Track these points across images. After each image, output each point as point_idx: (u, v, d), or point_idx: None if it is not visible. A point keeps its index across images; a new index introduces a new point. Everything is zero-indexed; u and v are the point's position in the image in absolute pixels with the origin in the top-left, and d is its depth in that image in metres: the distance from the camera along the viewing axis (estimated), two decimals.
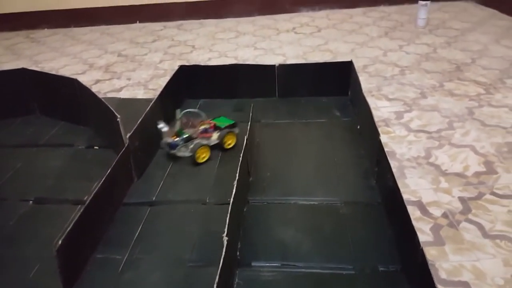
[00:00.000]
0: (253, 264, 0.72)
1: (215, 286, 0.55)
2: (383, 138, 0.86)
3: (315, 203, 0.84)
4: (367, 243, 0.74)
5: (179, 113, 1.01)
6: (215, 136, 1.02)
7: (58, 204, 0.88)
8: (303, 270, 0.70)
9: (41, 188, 0.93)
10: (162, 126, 0.99)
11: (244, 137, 0.88)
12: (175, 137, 1.00)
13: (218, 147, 1.02)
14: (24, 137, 1.15)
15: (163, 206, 0.87)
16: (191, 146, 0.99)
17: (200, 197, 0.88)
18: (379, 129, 0.89)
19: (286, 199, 0.86)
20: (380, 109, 1.19)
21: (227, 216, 0.68)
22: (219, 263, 0.59)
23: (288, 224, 0.79)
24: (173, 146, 0.99)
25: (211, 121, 1.04)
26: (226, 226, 0.65)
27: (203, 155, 0.99)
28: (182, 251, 0.75)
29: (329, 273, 0.69)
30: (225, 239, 0.62)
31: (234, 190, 0.73)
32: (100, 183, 0.77)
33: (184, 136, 0.99)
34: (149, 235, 0.79)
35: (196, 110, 1.05)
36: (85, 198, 0.88)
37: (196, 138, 1.01)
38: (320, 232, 0.77)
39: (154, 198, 0.89)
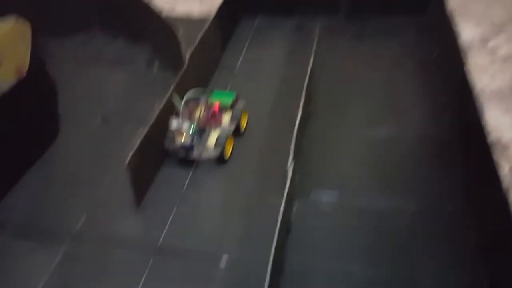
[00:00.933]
0: (311, 195, 0.72)
1: (280, 214, 0.55)
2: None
3: (380, 135, 0.80)
4: (435, 181, 0.70)
5: (178, 99, 0.77)
6: (226, 118, 0.80)
7: (123, 122, 0.91)
8: (363, 204, 0.69)
9: (107, 105, 0.96)
10: (177, 125, 0.75)
11: (308, 62, 0.83)
12: (182, 135, 0.75)
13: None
14: (84, 54, 1.16)
15: None
16: (209, 141, 0.76)
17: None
18: (462, 57, 0.80)
19: (347, 131, 0.82)
20: (464, 32, 1.06)
21: (290, 144, 0.67)
22: (282, 192, 0.60)
23: (350, 157, 0.77)
24: (190, 147, 0.74)
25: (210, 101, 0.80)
26: (291, 155, 0.63)
27: (228, 147, 0.79)
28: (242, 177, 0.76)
29: (392, 209, 0.67)
30: (290, 166, 0.61)
31: (297, 120, 0.71)
32: (163, 102, 0.78)
33: (195, 130, 0.75)
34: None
35: (195, 90, 0.81)
36: (149, 118, 0.90)
37: (204, 128, 0.77)
38: (384, 167, 0.74)
39: None
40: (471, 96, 0.70)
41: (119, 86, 1.02)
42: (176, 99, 0.76)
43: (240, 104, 0.83)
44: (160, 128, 0.77)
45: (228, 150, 0.78)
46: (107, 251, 0.66)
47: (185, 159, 0.76)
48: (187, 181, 0.76)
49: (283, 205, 0.57)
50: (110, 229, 0.69)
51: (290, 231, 0.66)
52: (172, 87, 0.81)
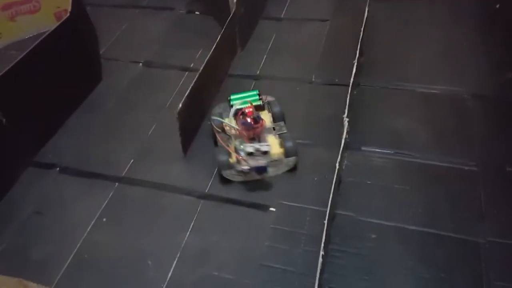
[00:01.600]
0: (363, 148, 0.70)
1: (337, 165, 0.54)
2: None
3: (437, 91, 0.76)
4: (495, 140, 0.67)
5: (219, 115, 0.70)
6: (267, 118, 0.70)
7: (165, 69, 0.90)
8: (418, 160, 0.66)
9: (148, 51, 0.94)
10: (251, 149, 0.63)
11: (364, 10, 0.78)
12: (237, 156, 0.63)
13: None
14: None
15: (267, 81, 0.84)
16: (274, 151, 0.64)
17: (306, 75, 0.84)
18: None
19: (402, 85, 0.79)
20: None
21: (341, 96, 0.64)
22: (332, 144, 0.58)
23: (404, 112, 0.74)
24: (262, 169, 0.63)
25: (241, 106, 0.70)
26: (347, 107, 0.61)
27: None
28: (290, 129, 0.73)
29: (448, 166, 0.65)
30: (346, 119, 0.59)
31: (354, 69, 0.67)
32: (211, 51, 0.75)
33: (252, 145, 0.63)
34: None
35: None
36: (191, 65, 0.88)
37: (253, 138, 0.66)
38: (441, 123, 0.71)
39: (258, 72, 0.86)
40: None
41: (160, 33, 0.99)
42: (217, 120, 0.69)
43: (272, 101, 0.73)
44: (207, 77, 0.75)
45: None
46: (156, 194, 0.66)
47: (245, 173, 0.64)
48: None
49: (339, 157, 0.55)
50: (157, 175, 0.69)
51: (341, 182, 0.64)
52: (221, 33, 0.78)
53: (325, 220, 0.49)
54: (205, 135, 0.74)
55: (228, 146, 0.65)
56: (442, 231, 0.58)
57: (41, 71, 0.74)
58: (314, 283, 0.48)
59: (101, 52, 0.94)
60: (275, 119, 0.71)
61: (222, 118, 0.69)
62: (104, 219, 0.64)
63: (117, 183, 0.69)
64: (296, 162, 0.66)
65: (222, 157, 0.64)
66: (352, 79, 0.66)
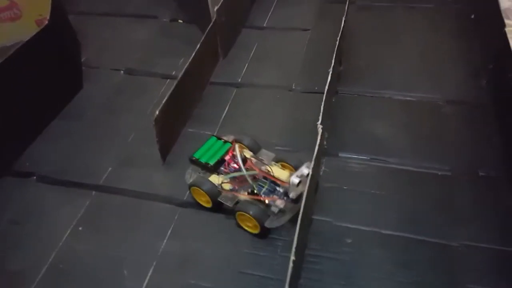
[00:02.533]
0: (340, 154, 0.70)
1: (310, 171, 0.54)
2: None
3: (414, 99, 0.78)
4: (469, 146, 0.68)
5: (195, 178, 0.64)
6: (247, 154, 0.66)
7: (147, 76, 0.90)
8: (394, 166, 0.67)
9: (130, 59, 0.94)
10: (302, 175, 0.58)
11: (341, 20, 0.79)
12: (272, 198, 0.59)
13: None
14: (109, 6, 1.14)
15: (249, 89, 0.85)
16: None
17: (286, 83, 0.85)
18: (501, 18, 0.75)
19: (380, 92, 0.80)
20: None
21: (320, 104, 0.64)
22: (311, 150, 0.58)
23: (381, 118, 0.75)
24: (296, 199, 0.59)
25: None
26: (321, 114, 0.62)
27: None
28: (269, 135, 0.74)
29: (423, 172, 0.66)
30: (319, 127, 0.59)
31: (329, 78, 0.68)
32: (191, 59, 0.75)
33: (295, 175, 0.58)
34: (236, 116, 0.79)
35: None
36: (173, 73, 0.89)
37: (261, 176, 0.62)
38: (417, 130, 0.72)
39: (240, 80, 0.87)
40: (509, 57, 0.67)
41: (143, 41, 0.99)
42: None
43: (237, 138, 0.68)
44: (187, 84, 0.76)
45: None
46: (134, 202, 0.66)
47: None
48: None
49: (312, 163, 0.55)
50: (135, 183, 0.69)
51: (318, 189, 0.65)
52: (200, 41, 0.79)
53: (297, 225, 0.49)
54: (185, 142, 0.75)
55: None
56: (417, 235, 0.58)
57: (19, 78, 0.73)
58: None
59: (83, 60, 0.94)
60: (253, 151, 0.67)
61: (201, 179, 0.63)
62: (80, 228, 0.63)
63: (94, 192, 0.68)
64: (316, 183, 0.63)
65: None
66: (327, 87, 0.67)
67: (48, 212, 0.66)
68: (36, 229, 0.64)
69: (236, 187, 0.61)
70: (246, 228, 0.61)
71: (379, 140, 0.71)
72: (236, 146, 0.63)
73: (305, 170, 0.59)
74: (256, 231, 0.60)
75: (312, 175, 0.55)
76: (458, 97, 0.77)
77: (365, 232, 0.59)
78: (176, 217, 0.64)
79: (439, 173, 0.65)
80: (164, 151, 0.71)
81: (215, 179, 0.63)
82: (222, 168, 0.64)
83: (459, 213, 0.60)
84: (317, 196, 0.64)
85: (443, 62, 0.84)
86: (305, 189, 0.55)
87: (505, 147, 0.67)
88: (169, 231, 0.62)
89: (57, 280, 0.57)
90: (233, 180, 0.62)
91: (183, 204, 0.65)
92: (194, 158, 0.65)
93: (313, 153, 0.56)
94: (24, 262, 0.60)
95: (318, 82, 0.82)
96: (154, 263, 0.58)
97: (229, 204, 0.61)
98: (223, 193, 0.62)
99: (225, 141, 0.67)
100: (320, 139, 0.60)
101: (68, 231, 0.63)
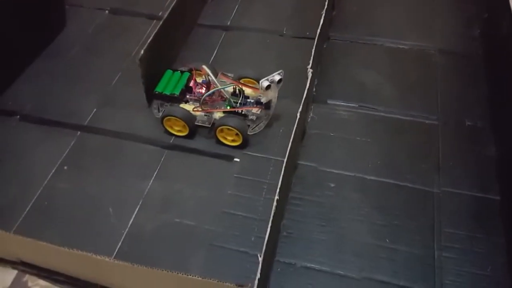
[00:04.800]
0: (328, 101, 0.70)
1: (298, 115, 0.54)
2: None
3: (405, 47, 0.76)
4: (457, 96, 0.68)
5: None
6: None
7: (132, 16, 0.86)
8: (381, 114, 0.67)
9: None
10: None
11: None
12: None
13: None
14: None
15: (237, 32, 0.83)
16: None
17: (277, 27, 0.82)
18: None
19: (371, 39, 0.78)
20: None
21: (311, 50, 0.63)
22: (299, 96, 0.58)
23: (371, 66, 0.74)
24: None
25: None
26: (311, 58, 0.60)
27: None
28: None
29: (410, 120, 0.66)
30: (309, 71, 0.58)
31: (321, 21, 0.66)
32: None
33: (265, 79, 0.62)
34: (224, 60, 0.77)
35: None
36: (160, 14, 0.85)
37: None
38: (406, 78, 0.71)
39: (229, 23, 0.84)
40: (504, 7, 0.65)
41: None
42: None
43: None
44: (174, 25, 0.73)
45: None
46: (120, 143, 0.66)
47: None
48: None
49: (301, 107, 0.55)
50: (121, 124, 0.68)
51: (305, 134, 0.65)
52: None
53: (282, 168, 0.49)
54: None
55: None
56: (399, 181, 0.59)
57: None
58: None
59: None
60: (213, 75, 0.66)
61: (173, 108, 0.65)
62: (65, 167, 0.63)
63: (79, 132, 0.67)
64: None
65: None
66: (319, 30, 0.65)
67: (32, 151, 0.65)
68: (20, 168, 0.63)
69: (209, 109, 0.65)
70: (227, 142, 0.64)
71: (368, 88, 0.71)
72: (204, 66, 0.65)
73: (276, 76, 0.62)
74: (238, 143, 0.64)
75: (299, 119, 0.55)
76: (450, 46, 0.75)
77: (348, 177, 0.60)
78: (162, 159, 0.64)
79: (427, 122, 0.66)
80: (150, 93, 0.69)
81: (186, 107, 0.65)
82: (189, 96, 0.66)
83: (442, 161, 0.61)
84: (303, 142, 0.64)
85: (436, 11, 0.82)
86: (275, 96, 0.62)
87: (492, 98, 0.67)
88: (155, 172, 0.62)
89: (42, 216, 0.58)
90: (204, 104, 0.64)
91: (170, 147, 0.65)
92: (158, 93, 0.66)
93: (301, 99, 0.56)
94: (8, 199, 0.60)
95: (310, 27, 0.80)
96: (140, 202, 0.59)
97: (207, 124, 0.64)
98: (198, 116, 0.64)
99: (182, 71, 0.69)
100: (310, 84, 0.59)
101: (53, 170, 0.63)
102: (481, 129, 0.64)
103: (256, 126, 0.64)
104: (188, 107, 0.65)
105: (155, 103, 0.68)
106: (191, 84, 0.66)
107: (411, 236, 0.54)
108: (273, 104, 0.65)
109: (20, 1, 0.73)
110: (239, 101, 0.64)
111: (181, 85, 0.66)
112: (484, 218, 0.56)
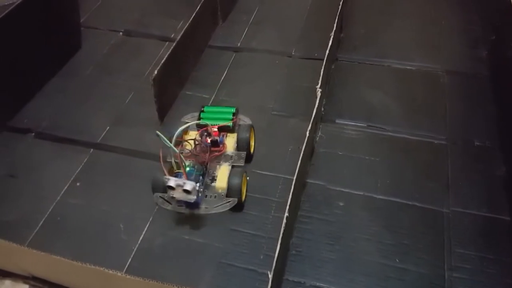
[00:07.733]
0: (337, 121, 0.71)
1: (307, 133, 0.55)
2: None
3: (412, 68, 0.77)
4: (465, 116, 0.69)
5: (163, 137, 0.56)
6: (230, 142, 0.62)
7: (145, 38, 0.89)
8: (389, 133, 0.68)
9: (129, 20, 0.93)
10: (175, 183, 0.54)
11: None
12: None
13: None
14: None
15: (247, 53, 0.85)
16: (218, 185, 0.58)
17: (285, 49, 0.84)
18: None
19: (379, 61, 0.80)
20: None
21: (319, 71, 0.64)
22: (306, 116, 0.58)
23: (379, 86, 0.75)
24: (191, 204, 0.56)
25: (203, 125, 0.61)
26: (320, 78, 0.62)
27: (244, 187, 0.60)
28: (266, 100, 0.74)
29: (418, 140, 0.66)
30: (319, 90, 0.60)
31: (330, 43, 0.68)
32: (190, 21, 0.75)
33: (175, 179, 0.54)
34: (234, 80, 0.79)
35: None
36: (172, 36, 0.88)
37: (204, 162, 0.58)
38: (414, 99, 0.72)
39: (239, 44, 0.86)
40: (510, 29, 0.66)
41: (142, 2, 0.98)
42: (161, 137, 0.56)
43: (245, 122, 0.65)
44: (186, 47, 0.75)
45: (244, 190, 0.59)
46: (131, 161, 0.67)
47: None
48: (210, 102, 0.75)
49: (310, 126, 0.56)
50: (133, 142, 0.69)
51: (314, 153, 0.66)
52: (200, 3, 0.78)
53: (292, 186, 0.50)
54: (182, 104, 0.75)
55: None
56: (408, 200, 0.59)
57: (18, 36, 0.73)
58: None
59: (81, 20, 0.92)
60: (238, 147, 0.62)
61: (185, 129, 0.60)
62: (78, 184, 0.64)
63: (92, 149, 0.69)
64: (235, 204, 0.57)
65: (159, 176, 0.56)
66: (327, 51, 0.66)
67: (46, 168, 0.67)
68: (34, 184, 0.65)
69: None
70: None
71: (376, 108, 0.72)
72: (158, 133, 0.56)
73: (188, 185, 0.53)
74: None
75: (308, 137, 0.55)
76: (457, 67, 0.76)
77: (356, 196, 0.61)
78: None
79: (435, 142, 0.66)
80: (162, 112, 0.71)
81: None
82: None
83: (451, 180, 0.61)
84: (312, 161, 0.65)
85: (443, 32, 0.84)
86: (182, 197, 0.53)
87: (500, 118, 0.67)
88: None
89: (54, 232, 0.59)
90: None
91: None
92: (202, 108, 0.65)
93: (309, 118, 0.57)
94: (22, 215, 0.61)
95: (318, 49, 0.81)
96: (150, 219, 0.60)
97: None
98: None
99: (233, 119, 0.63)
100: (318, 103, 0.60)
101: (66, 186, 0.64)
102: (490, 149, 0.64)
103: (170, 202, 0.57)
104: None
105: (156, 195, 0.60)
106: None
107: (420, 255, 0.54)
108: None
109: (37, 22, 0.77)
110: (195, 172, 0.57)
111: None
112: (494, 238, 0.55)
